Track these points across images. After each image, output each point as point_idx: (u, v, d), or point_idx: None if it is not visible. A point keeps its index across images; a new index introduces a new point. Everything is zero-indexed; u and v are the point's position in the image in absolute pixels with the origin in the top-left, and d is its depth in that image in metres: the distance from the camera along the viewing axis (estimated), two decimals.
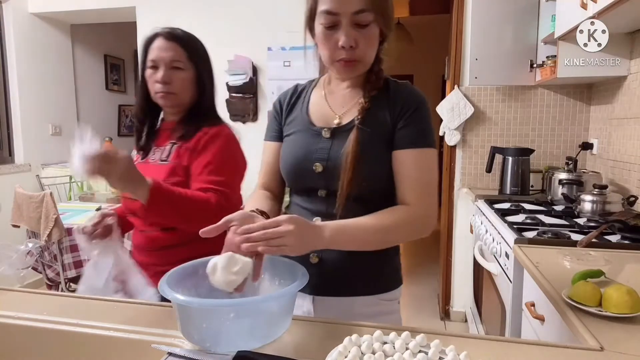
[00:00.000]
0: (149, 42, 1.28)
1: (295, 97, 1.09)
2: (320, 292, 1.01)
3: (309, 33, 1.00)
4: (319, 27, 0.93)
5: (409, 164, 0.95)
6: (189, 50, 1.30)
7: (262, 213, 0.93)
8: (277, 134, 1.09)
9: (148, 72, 1.28)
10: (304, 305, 1.02)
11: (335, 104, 1.03)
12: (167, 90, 1.26)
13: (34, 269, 2.36)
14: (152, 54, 1.26)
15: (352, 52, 0.92)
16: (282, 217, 0.79)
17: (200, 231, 0.80)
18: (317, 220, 0.99)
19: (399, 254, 1.08)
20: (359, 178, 0.93)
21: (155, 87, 1.27)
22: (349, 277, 1.00)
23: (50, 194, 2.22)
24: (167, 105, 1.31)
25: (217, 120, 1.35)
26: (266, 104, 3.24)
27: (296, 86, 1.12)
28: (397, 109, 0.97)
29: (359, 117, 0.96)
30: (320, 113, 1.03)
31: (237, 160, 1.30)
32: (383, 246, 0.98)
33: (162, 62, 1.25)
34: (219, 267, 0.76)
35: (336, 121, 1.00)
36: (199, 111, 1.32)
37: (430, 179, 0.96)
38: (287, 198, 1.12)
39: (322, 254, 1.00)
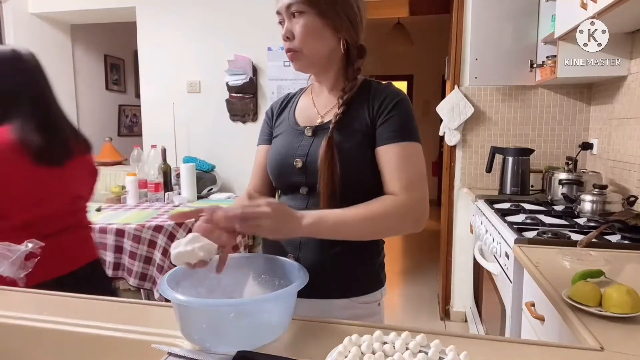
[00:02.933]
0: None
1: (286, 103, 1.15)
2: (297, 294, 1.01)
3: None
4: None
5: (392, 159, 0.95)
6: None
7: None
8: (268, 137, 1.13)
9: None
10: None
11: (320, 105, 1.07)
12: None
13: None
14: None
15: (290, 43, 0.99)
16: (262, 200, 0.81)
17: (170, 216, 0.83)
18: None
19: (381, 256, 1.08)
20: (336, 178, 0.95)
21: None
22: (325, 279, 1.00)
23: None
24: None
25: None
26: (266, 104, 3.24)
27: (288, 94, 1.18)
28: (375, 106, 0.99)
29: (333, 121, 0.99)
30: (306, 114, 1.08)
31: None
32: (371, 236, 0.97)
33: None
34: (183, 242, 0.78)
35: (318, 120, 1.04)
36: None
37: (416, 171, 0.95)
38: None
39: (299, 254, 1.01)
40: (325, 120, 1.03)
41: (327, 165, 0.95)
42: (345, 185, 0.96)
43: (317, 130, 1.02)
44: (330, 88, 1.06)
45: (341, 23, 0.98)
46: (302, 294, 0.98)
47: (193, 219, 0.86)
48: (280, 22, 1.01)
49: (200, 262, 0.78)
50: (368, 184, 0.98)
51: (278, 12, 1.00)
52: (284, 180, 1.05)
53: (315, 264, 0.99)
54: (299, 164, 1.00)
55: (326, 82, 1.06)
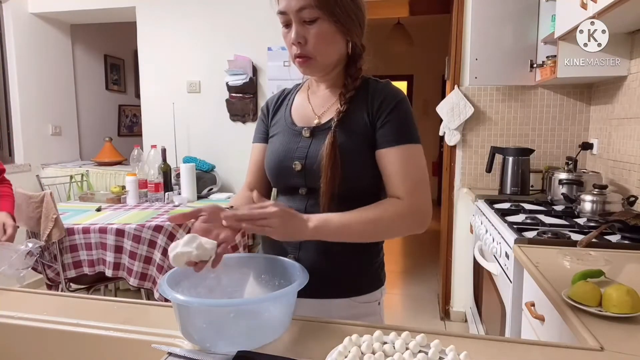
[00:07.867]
0: None
1: (281, 100, 1.12)
2: (297, 294, 1.02)
3: None
4: (281, 27, 0.98)
5: (395, 162, 0.95)
6: None
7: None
8: (264, 135, 1.12)
9: None
10: None
11: (316, 105, 1.05)
12: None
13: (34, 269, 2.36)
14: None
15: (303, 48, 0.95)
16: (269, 202, 0.83)
17: (169, 217, 0.82)
18: None
19: (381, 255, 1.08)
20: (337, 179, 0.94)
21: None
22: (324, 279, 1.00)
23: (50, 194, 2.22)
24: None
25: None
26: None
27: (283, 90, 1.15)
28: (375, 107, 0.97)
29: (336, 119, 0.98)
30: (302, 114, 1.06)
31: None
32: (375, 239, 0.97)
33: None
34: (181, 243, 0.77)
35: (316, 121, 1.03)
36: None
37: (419, 174, 0.95)
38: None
39: (299, 254, 1.01)
40: (323, 121, 1.01)
41: (330, 165, 0.94)
42: (345, 186, 0.95)
43: (315, 131, 1.01)
44: (329, 85, 1.05)
45: (353, 27, 0.97)
46: (302, 294, 0.98)
47: (193, 220, 0.85)
48: (285, 24, 0.97)
49: (201, 262, 0.78)
50: (367, 184, 0.98)
51: (283, 12, 0.95)
52: (283, 181, 1.05)
53: (315, 264, 0.99)
54: (297, 166, 1.00)
55: (327, 81, 1.05)
